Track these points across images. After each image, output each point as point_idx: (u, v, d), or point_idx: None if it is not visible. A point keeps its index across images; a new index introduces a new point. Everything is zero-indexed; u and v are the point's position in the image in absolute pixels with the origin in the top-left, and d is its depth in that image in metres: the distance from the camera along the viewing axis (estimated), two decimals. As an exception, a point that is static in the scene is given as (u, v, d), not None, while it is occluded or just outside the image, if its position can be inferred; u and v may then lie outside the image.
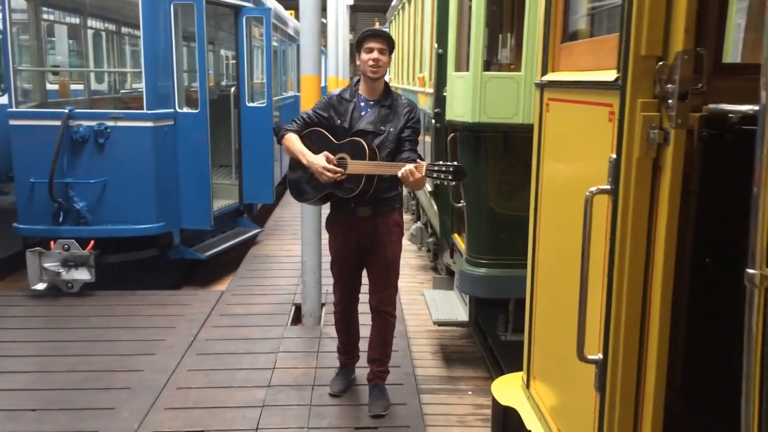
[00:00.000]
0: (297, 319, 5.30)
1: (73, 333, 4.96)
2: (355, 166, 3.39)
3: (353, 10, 18.97)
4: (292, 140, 3.53)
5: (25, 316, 5.40)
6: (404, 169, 3.22)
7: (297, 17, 6.42)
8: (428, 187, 5.50)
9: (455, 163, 3.10)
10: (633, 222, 1.70)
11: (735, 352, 1.53)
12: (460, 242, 4.71)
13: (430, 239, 6.48)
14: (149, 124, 5.99)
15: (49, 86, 7.71)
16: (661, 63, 1.62)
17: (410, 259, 7.27)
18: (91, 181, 5.82)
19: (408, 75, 7.85)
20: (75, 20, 8.65)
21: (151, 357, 4.52)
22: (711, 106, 1.68)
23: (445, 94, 4.63)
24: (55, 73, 8.99)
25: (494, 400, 2.78)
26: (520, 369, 2.78)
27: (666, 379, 2.56)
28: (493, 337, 4.60)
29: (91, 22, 8.78)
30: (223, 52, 13.97)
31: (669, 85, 1.60)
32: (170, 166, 6.18)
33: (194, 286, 6.75)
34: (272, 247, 7.73)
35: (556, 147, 2.36)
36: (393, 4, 10.60)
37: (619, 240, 1.73)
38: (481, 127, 3.93)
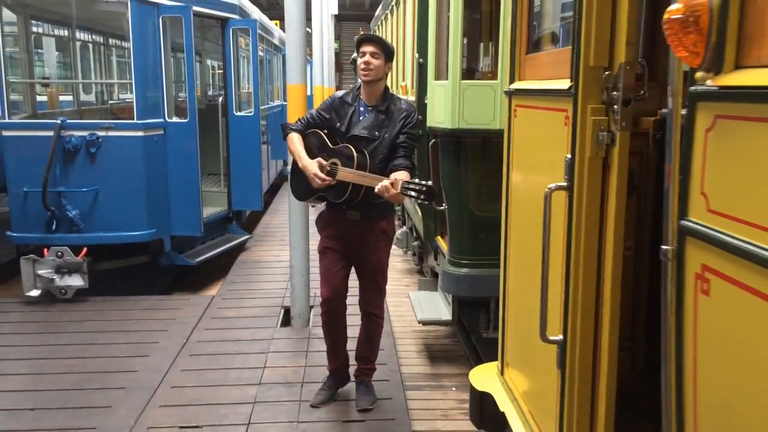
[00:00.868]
0: (286, 321, 5.44)
1: (68, 337, 5.06)
2: (343, 174, 3.48)
3: (338, 19, 19.14)
4: (294, 141, 3.66)
5: (20, 321, 5.49)
6: (380, 185, 3.24)
7: (282, 27, 6.58)
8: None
9: (429, 183, 3.14)
10: (586, 215, 1.90)
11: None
12: (443, 244, 4.86)
13: (415, 243, 6.61)
14: (140, 133, 6.13)
15: (38, 98, 7.83)
16: (607, 73, 1.82)
17: (396, 263, 7.39)
18: (84, 189, 5.93)
19: (392, 83, 8.03)
20: (63, 32, 8.78)
21: (145, 358, 4.65)
22: (664, 110, 1.88)
23: (426, 101, 4.78)
24: (45, 85, 9.09)
25: (471, 387, 2.97)
26: (499, 360, 2.95)
27: (629, 362, 2.76)
28: (475, 335, 4.76)
29: (80, 35, 8.90)
30: (209, 62, 14.12)
31: (614, 93, 1.80)
32: (160, 174, 6.32)
33: (185, 292, 6.88)
34: (261, 252, 7.85)
35: (523, 150, 2.56)
36: (377, 14, 10.79)
37: (575, 231, 1.92)
38: (461, 133, 4.09)
